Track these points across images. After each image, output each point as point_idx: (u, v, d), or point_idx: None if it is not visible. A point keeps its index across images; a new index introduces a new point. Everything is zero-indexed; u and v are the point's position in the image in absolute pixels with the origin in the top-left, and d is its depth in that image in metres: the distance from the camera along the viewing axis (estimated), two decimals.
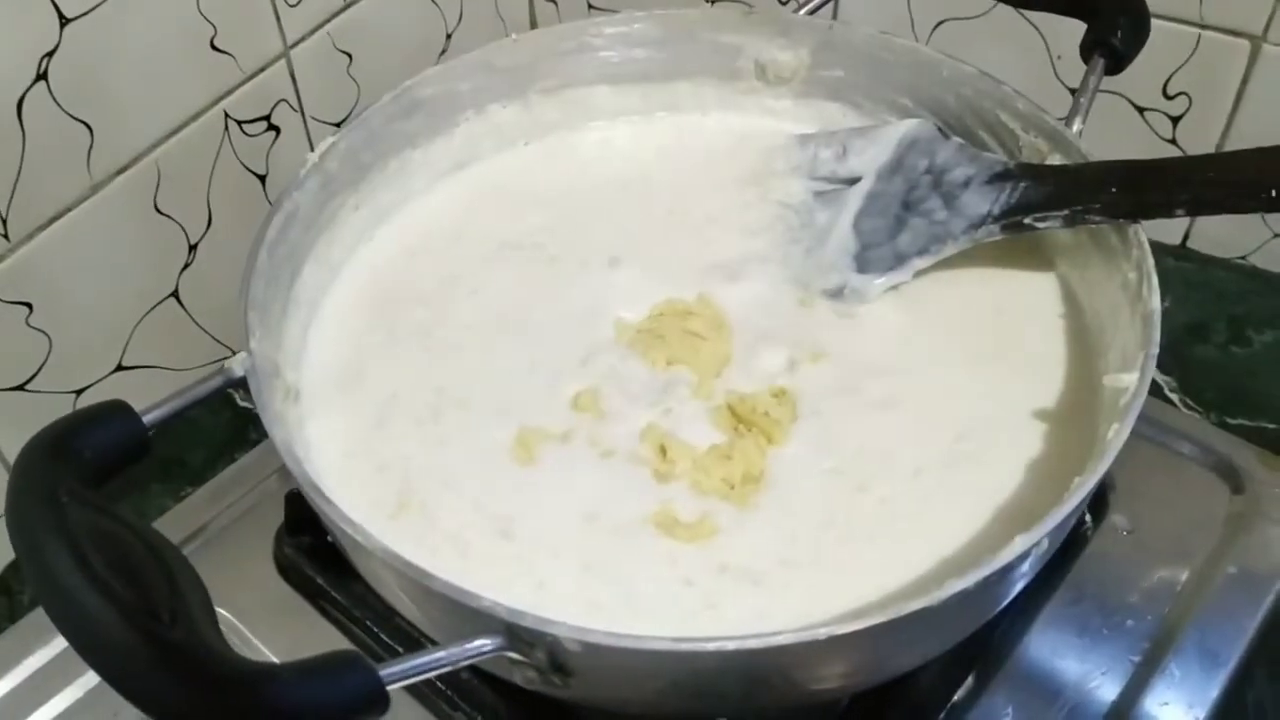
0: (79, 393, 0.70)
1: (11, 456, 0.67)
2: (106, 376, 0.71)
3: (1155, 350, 0.49)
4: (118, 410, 0.45)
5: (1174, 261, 0.79)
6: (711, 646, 0.41)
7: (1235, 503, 0.64)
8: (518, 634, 0.42)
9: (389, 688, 0.38)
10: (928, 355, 0.58)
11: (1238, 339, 0.76)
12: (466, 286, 0.62)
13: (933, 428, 0.54)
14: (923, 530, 0.50)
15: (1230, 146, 0.77)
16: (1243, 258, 0.80)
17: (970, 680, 0.57)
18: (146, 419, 0.46)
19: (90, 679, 0.59)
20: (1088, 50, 0.61)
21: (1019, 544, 0.43)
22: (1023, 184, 0.57)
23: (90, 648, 0.37)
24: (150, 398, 0.47)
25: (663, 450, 0.54)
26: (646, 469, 0.54)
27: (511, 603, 0.42)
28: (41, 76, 0.61)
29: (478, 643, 0.41)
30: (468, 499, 0.53)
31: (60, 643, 0.60)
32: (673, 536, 0.51)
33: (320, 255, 0.60)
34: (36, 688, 0.60)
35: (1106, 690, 0.57)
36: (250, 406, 0.74)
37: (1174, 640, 0.58)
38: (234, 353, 0.79)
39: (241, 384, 0.49)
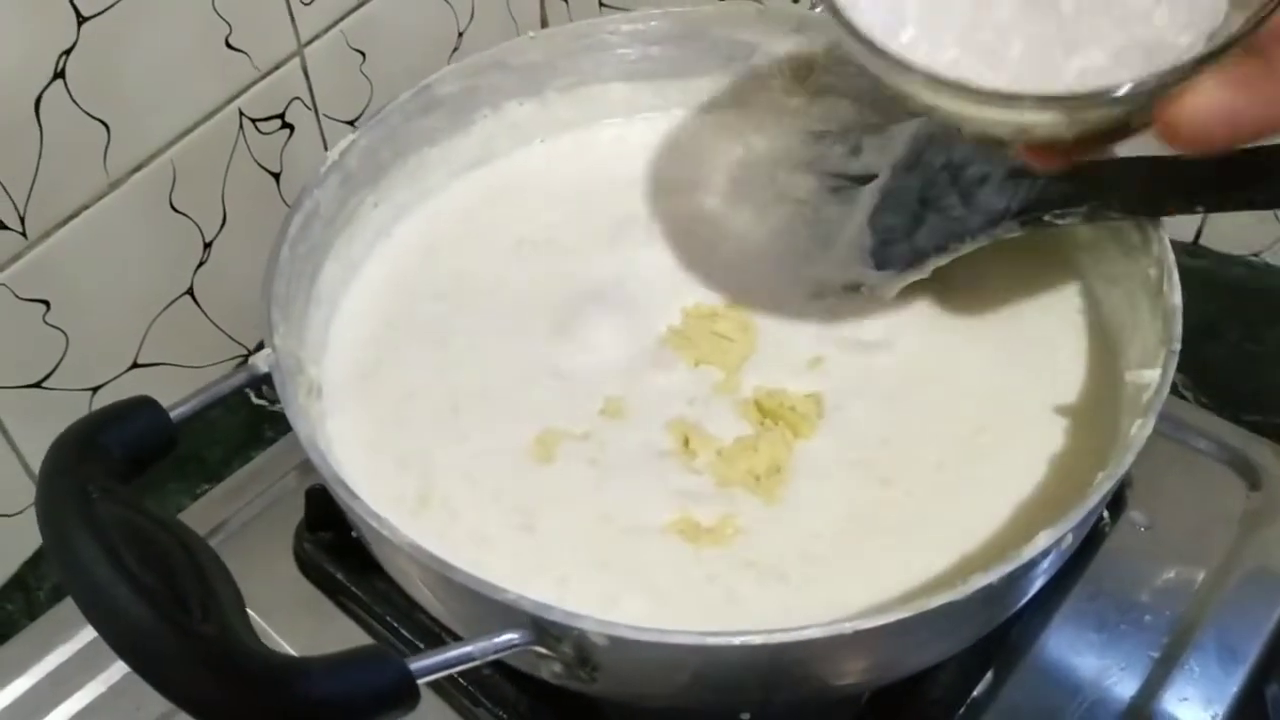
0: (95, 390, 0.70)
1: (29, 453, 0.68)
2: (122, 374, 0.71)
3: (1177, 346, 0.49)
4: (145, 405, 0.46)
5: (1187, 259, 0.78)
6: (738, 641, 0.41)
7: (1253, 499, 0.64)
8: (545, 628, 0.42)
9: (419, 681, 0.39)
10: (947, 350, 0.58)
11: (1251, 336, 0.76)
12: (484, 282, 0.63)
13: (953, 422, 0.54)
14: (945, 524, 0.50)
15: None
16: (1256, 254, 0.80)
17: (989, 675, 0.57)
18: (173, 414, 0.46)
19: (112, 675, 0.59)
20: None
21: (1043, 540, 0.43)
22: (1041, 180, 0.57)
23: (123, 642, 0.37)
24: (165, 395, 0.47)
25: (685, 441, 0.54)
26: (669, 465, 0.54)
27: (535, 598, 0.42)
28: (59, 75, 0.61)
29: (506, 637, 0.42)
30: (489, 495, 0.53)
31: (82, 638, 0.60)
32: (696, 543, 0.51)
33: (340, 252, 0.61)
34: (59, 684, 0.60)
35: (1125, 686, 0.57)
36: (266, 404, 0.75)
37: (1192, 636, 0.58)
38: (249, 350, 0.80)
39: (265, 380, 0.50)
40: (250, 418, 0.75)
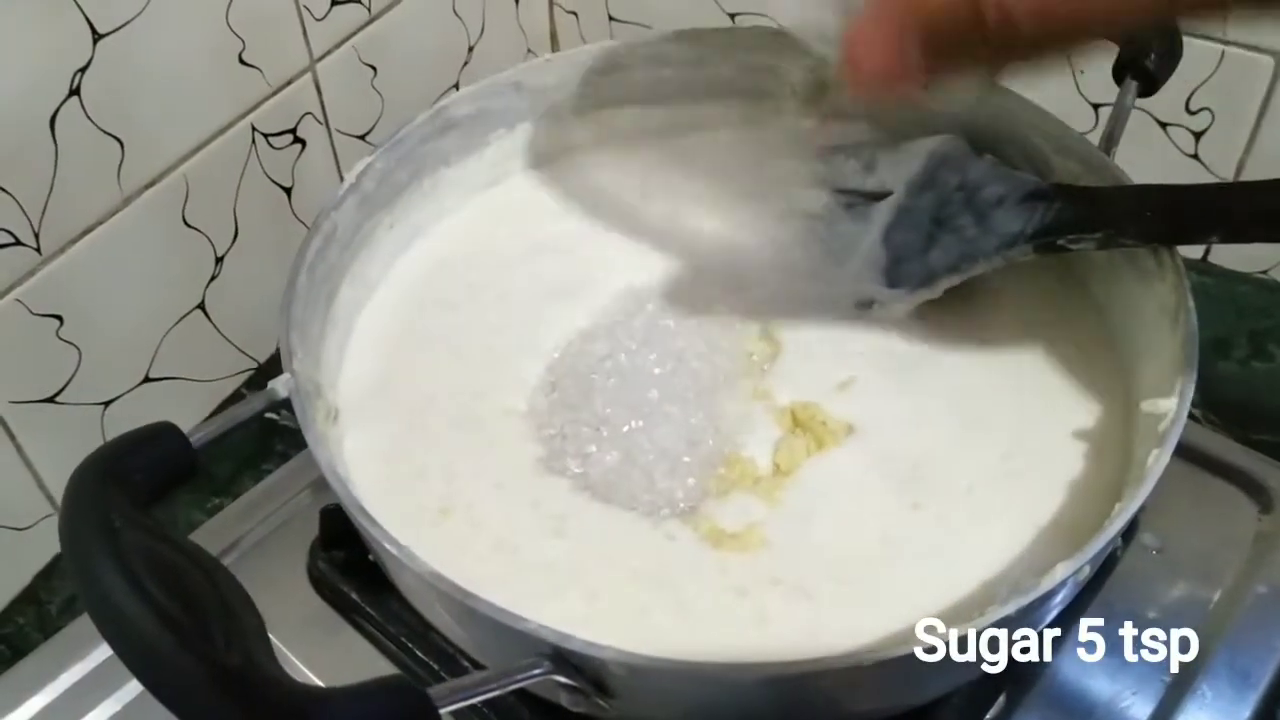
0: (107, 404, 0.70)
1: (41, 468, 0.68)
2: (134, 388, 0.71)
3: (1194, 375, 0.49)
4: (166, 432, 0.45)
5: (1195, 276, 0.78)
6: (757, 672, 0.41)
7: (1264, 522, 0.64)
8: (565, 657, 0.42)
9: (441, 711, 0.39)
10: (964, 372, 0.58)
11: (1259, 354, 0.77)
12: (496, 290, 0.63)
13: (979, 446, 0.54)
14: (972, 550, 0.50)
15: (1253, 162, 0.77)
16: (1264, 272, 0.81)
17: (1001, 700, 0.57)
18: (194, 439, 0.46)
19: (126, 694, 0.59)
20: (1120, 72, 0.61)
21: (1060, 572, 0.43)
22: (1057, 204, 0.57)
23: (149, 673, 0.37)
24: (177, 409, 0.47)
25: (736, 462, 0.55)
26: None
27: (560, 614, 0.43)
28: (74, 92, 0.61)
29: (526, 666, 0.42)
30: (511, 507, 0.53)
31: (96, 657, 0.60)
32: (721, 548, 0.51)
33: (357, 274, 0.61)
34: (73, 702, 0.60)
35: (1138, 710, 0.57)
36: (276, 418, 0.75)
37: (1204, 661, 0.58)
38: (259, 363, 0.80)
39: (285, 405, 0.50)
40: (260, 432, 0.75)
